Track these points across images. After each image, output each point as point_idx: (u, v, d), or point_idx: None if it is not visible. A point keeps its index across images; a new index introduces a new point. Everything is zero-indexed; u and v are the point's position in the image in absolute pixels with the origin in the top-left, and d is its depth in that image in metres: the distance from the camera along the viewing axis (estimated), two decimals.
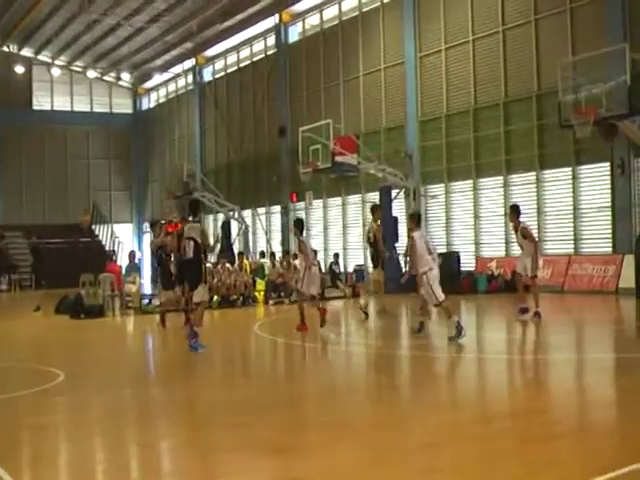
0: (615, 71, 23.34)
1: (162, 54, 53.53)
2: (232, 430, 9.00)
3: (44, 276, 44.05)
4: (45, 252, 46.88)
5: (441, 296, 16.22)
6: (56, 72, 56.76)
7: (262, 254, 36.71)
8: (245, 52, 48.44)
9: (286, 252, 33.48)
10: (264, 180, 44.17)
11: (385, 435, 8.65)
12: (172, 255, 20.31)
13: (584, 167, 28.58)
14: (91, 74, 57.25)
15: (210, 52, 51.51)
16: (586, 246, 28.77)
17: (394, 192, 33.15)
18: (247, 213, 44.77)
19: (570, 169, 28.86)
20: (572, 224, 28.99)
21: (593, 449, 7.63)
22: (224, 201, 41.67)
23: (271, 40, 45.32)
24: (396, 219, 32.72)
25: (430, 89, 34.53)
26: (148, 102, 62.32)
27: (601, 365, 13.16)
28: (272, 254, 34.14)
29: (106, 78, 59.98)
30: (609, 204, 27.54)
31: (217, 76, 51.90)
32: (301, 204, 41.27)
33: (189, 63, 53.77)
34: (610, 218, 27.57)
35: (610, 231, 27.66)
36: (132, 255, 31.30)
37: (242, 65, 48.79)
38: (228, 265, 29.04)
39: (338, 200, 40.09)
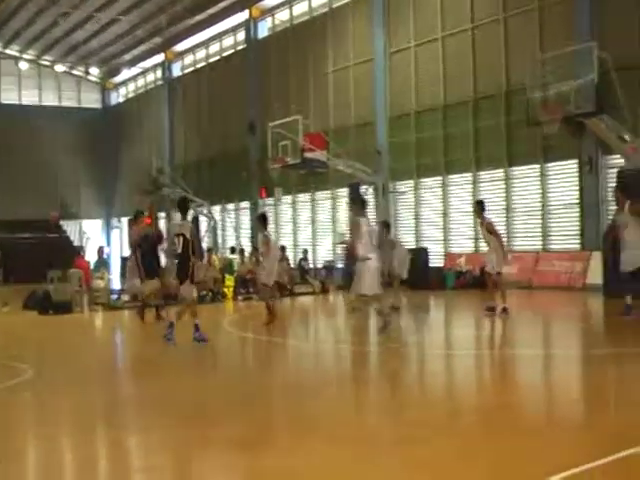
0: (583, 69, 23.41)
1: (131, 49, 53.27)
2: (201, 426, 8.89)
3: (12, 272, 43.58)
4: (13, 247, 46.34)
5: (368, 286, 16.18)
6: (24, 66, 56.34)
7: (232, 250, 36.60)
8: (215, 47, 48.25)
9: (255, 248, 33.27)
10: (233, 176, 43.95)
11: (360, 430, 8.60)
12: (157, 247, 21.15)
13: (552, 164, 28.67)
14: (59, 68, 56.91)
15: (179, 47, 51.28)
16: (554, 243, 28.88)
17: (363, 188, 33.15)
18: (216, 209, 44.57)
19: (538, 166, 28.94)
20: (540, 221, 29.08)
21: (559, 444, 7.62)
22: (193, 197, 41.46)
23: (241, 35, 45.16)
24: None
25: (399, 86, 34.51)
26: (117, 97, 61.98)
27: (567, 361, 13.18)
28: (241, 250, 34.03)
29: (75, 72, 59.57)
30: (577, 201, 27.65)
31: (186, 71, 51.68)
32: (270, 200, 41.18)
33: (158, 58, 53.49)
34: (578, 215, 27.69)
35: (578, 228, 27.77)
36: (101, 251, 31.15)
37: (211, 60, 48.60)
38: (198, 261, 28.89)
39: (307, 196, 40.07)
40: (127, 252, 45.97)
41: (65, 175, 58.00)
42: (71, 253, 37.47)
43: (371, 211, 33.03)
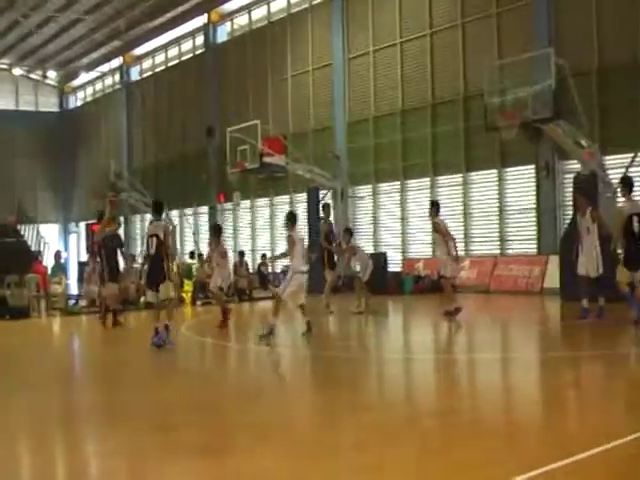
0: (540, 75, 23.45)
1: (89, 52, 52.81)
2: (159, 432, 8.76)
3: None
4: None
5: (285, 294, 16.45)
6: None
7: (191, 255, 36.35)
8: (173, 51, 47.90)
9: (205, 257, 33.23)
10: (192, 180, 43.67)
11: (314, 434, 8.56)
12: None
13: (510, 169, 28.74)
14: (17, 72, 56.29)
15: (138, 51, 50.93)
16: (512, 247, 28.96)
17: (322, 193, 33.07)
18: (174, 213, 44.28)
19: (496, 171, 29.00)
20: (498, 225, 29.13)
21: (518, 447, 7.62)
22: (151, 201, 41.09)
23: (200, 39, 44.89)
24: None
25: (358, 91, 34.47)
26: (75, 101, 61.43)
27: (524, 364, 13.17)
28: (200, 255, 33.79)
29: (32, 76, 58.92)
30: (534, 206, 27.75)
31: (145, 75, 51.32)
32: (229, 204, 41.02)
33: (116, 62, 53.09)
34: (535, 219, 27.80)
35: (535, 232, 27.87)
36: (58, 255, 30.79)
37: (170, 64, 48.26)
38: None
39: (266, 201, 39.90)
40: (84, 257, 45.66)
41: (22, 179, 57.33)
42: (28, 258, 36.99)
43: (330, 216, 33.04)
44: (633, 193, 17.62)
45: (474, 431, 8.33)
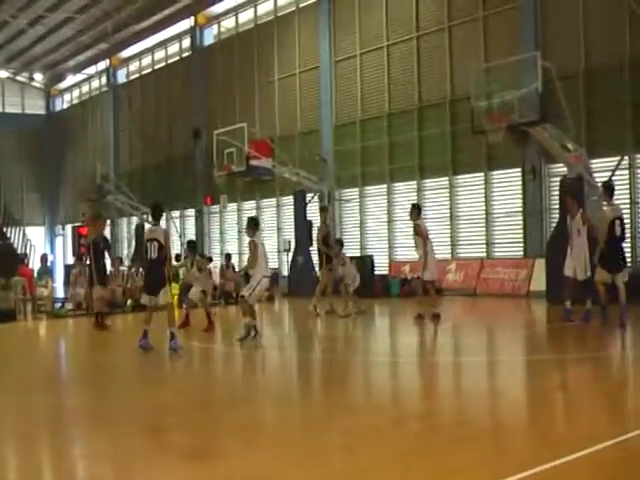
0: (527, 78, 23.47)
1: (76, 55, 52.62)
2: (147, 435, 8.75)
3: None
4: None
5: (252, 298, 16.53)
6: None
7: (177, 258, 36.21)
8: (160, 54, 47.75)
9: (201, 255, 33.11)
10: (178, 183, 43.64)
11: (299, 437, 8.55)
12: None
13: (496, 172, 28.77)
14: (3, 74, 56.03)
15: (125, 53, 50.78)
16: (498, 250, 28.97)
17: (308, 196, 33.06)
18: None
19: (482, 174, 29.02)
20: (484, 228, 29.15)
21: (504, 450, 7.62)
22: (138, 204, 41.06)
23: (186, 42, 44.78)
24: (310, 223, 32.66)
25: (345, 94, 34.45)
26: (61, 103, 61.21)
27: (511, 367, 13.17)
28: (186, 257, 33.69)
29: (18, 78, 58.65)
30: (520, 209, 27.78)
31: (131, 78, 51.15)
32: (216, 207, 40.97)
33: (103, 64, 52.93)
34: (521, 223, 27.82)
35: (522, 235, 27.89)
36: (44, 258, 30.65)
37: (157, 67, 48.12)
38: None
39: (253, 204, 39.84)
40: (71, 260, 45.51)
41: (8, 181, 57.02)
42: (14, 261, 36.83)
43: (317, 219, 33.05)
44: (615, 197, 17.83)
45: (462, 434, 8.31)
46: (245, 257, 36.40)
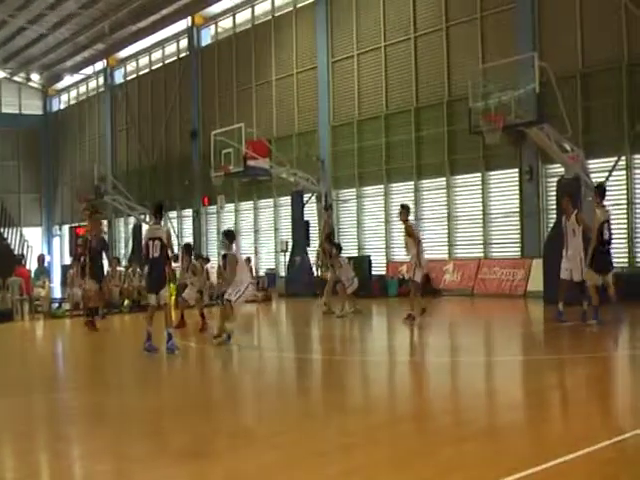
0: (524, 79, 23.49)
1: (73, 55, 52.52)
2: (146, 435, 8.78)
3: None
4: None
5: (239, 302, 16.82)
6: None
7: (175, 258, 36.22)
8: (157, 54, 47.75)
9: (198, 256, 33.14)
10: (176, 183, 43.65)
11: (297, 438, 8.51)
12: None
13: (494, 173, 28.79)
14: (0, 74, 56.08)
15: (122, 54, 50.70)
16: (495, 250, 29.00)
17: (306, 197, 33.09)
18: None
19: (480, 175, 29.05)
20: (482, 229, 29.17)
21: (500, 450, 7.63)
22: (135, 204, 41.08)
23: (183, 43, 44.74)
24: (308, 223, 32.70)
25: (342, 94, 34.46)
26: (58, 103, 61.15)
27: (509, 367, 13.18)
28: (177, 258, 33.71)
29: (15, 78, 58.55)
30: (518, 209, 27.81)
31: (129, 78, 51.08)
32: (213, 208, 40.97)
33: (100, 64, 52.85)
34: (519, 223, 27.84)
35: (519, 236, 27.91)
36: (41, 259, 30.64)
37: (154, 67, 48.08)
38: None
39: (250, 204, 39.87)
40: (68, 260, 45.48)
41: (5, 182, 56.96)
42: (12, 261, 36.82)
43: (314, 219, 33.08)
44: (605, 200, 17.98)
45: (458, 434, 8.35)
46: (243, 257, 36.45)
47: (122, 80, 51.68)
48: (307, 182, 32.80)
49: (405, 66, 31.58)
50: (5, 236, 52.66)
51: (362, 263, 29.43)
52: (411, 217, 29.17)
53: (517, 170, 27.58)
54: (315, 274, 30.31)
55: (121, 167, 50.48)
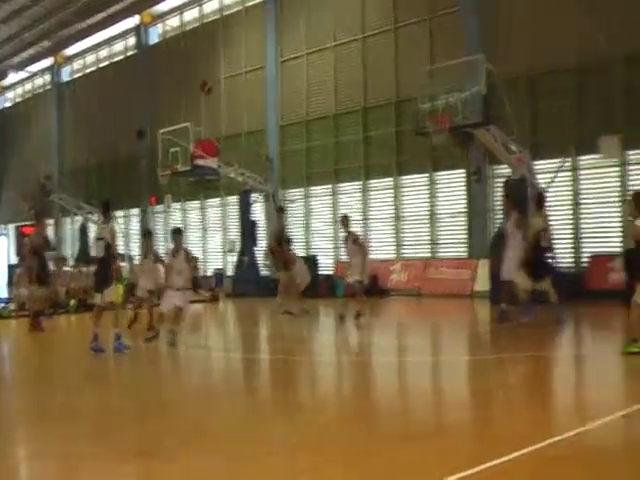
0: (471, 81, 23.65)
1: (19, 52, 51.96)
2: (91, 437, 8.61)
3: None
4: None
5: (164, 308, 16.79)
6: None
7: (122, 257, 35.99)
8: (105, 52, 47.36)
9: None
10: (123, 182, 43.28)
11: (247, 438, 8.43)
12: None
13: (441, 173, 28.96)
14: None
15: (69, 51, 50.22)
16: (443, 250, 29.16)
17: (254, 196, 33.04)
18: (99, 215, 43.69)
19: (427, 175, 29.19)
20: (429, 229, 29.34)
21: (446, 449, 7.65)
22: (82, 203, 40.70)
23: (131, 40, 44.42)
24: (254, 223, 32.66)
25: (291, 94, 34.40)
26: (4, 101, 60.33)
27: (454, 367, 13.24)
28: (130, 257, 33.48)
29: None
30: (465, 210, 27.99)
31: (76, 76, 50.62)
32: (160, 207, 40.74)
33: (47, 62, 52.35)
34: (466, 223, 28.03)
35: (466, 236, 28.10)
36: None
37: (102, 65, 47.66)
38: (84, 268, 28.32)
39: (198, 204, 39.72)
40: (14, 260, 44.97)
41: None
42: None
43: (262, 219, 33.05)
44: (545, 207, 18.38)
45: (406, 433, 8.36)
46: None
47: (69, 78, 51.14)
48: (255, 182, 32.74)
49: (354, 66, 31.59)
50: None
51: (309, 263, 29.42)
52: (359, 217, 29.59)
53: (464, 171, 27.76)
54: (265, 274, 30.29)
55: (68, 165, 49.89)
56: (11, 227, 54.94)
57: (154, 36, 43.08)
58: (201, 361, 15.38)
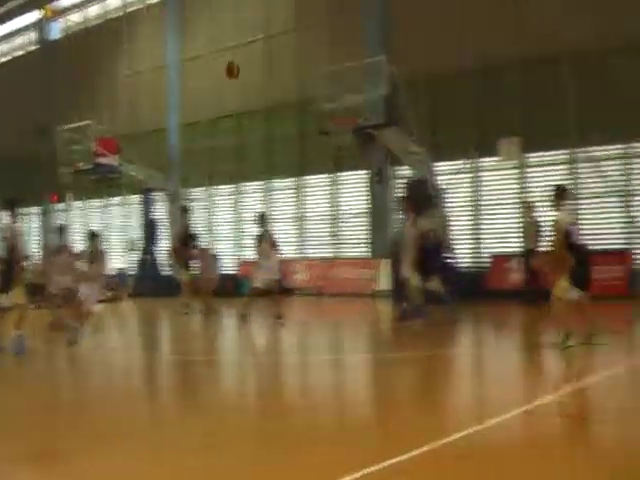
0: (373, 82, 23.69)
1: None
2: None
3: None
4: None
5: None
6: None
7: (25, 257, 35.23)
8: (5, 47, 46.39)
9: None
10: (24, 180, 42.39)
11: (152, 439, 8.40)
12: None
13: (344, 174, 29.01)
14: None
15: None
16: (345, 250, 29.25)
17: (156, 195, 32.73)
18: (1, 214, 42.71)
19: (330, 175, 29.24)
20: (331, 229, 29.39)
21: (350, 447, 7.63)
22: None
23: (33, 36, 43.54)
24: (156, 222, 32.36)
25: (194, 93, 34.02)
26: None
27: (355, 365, 13.29)
28: (28, 256, 32.85)
29: None
30: (367, 210, 28.12)
31: None
32: (61, 205, 40.08)
33: None
34: (368, 223, 28.15)
35: (368, 236, 28.22)
36: None
37: (2, 60, 46.57)
38: None
39: (99, 202, 39.14)
40: None
41: None
42: None
43: (164, 218, 32.75)
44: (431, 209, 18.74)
45: (309, 432, 8.33)
46: None
47: None
48: (157, 180, 32.42)
49: (257, 66, 31.32)
50: None
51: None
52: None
53: (366, 171, 27.86)
54: (168, 274, 29.98)
55: None
56: None
57: (56, 31, 42.29)
58: (102, 361, 15.12)
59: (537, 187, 23.28)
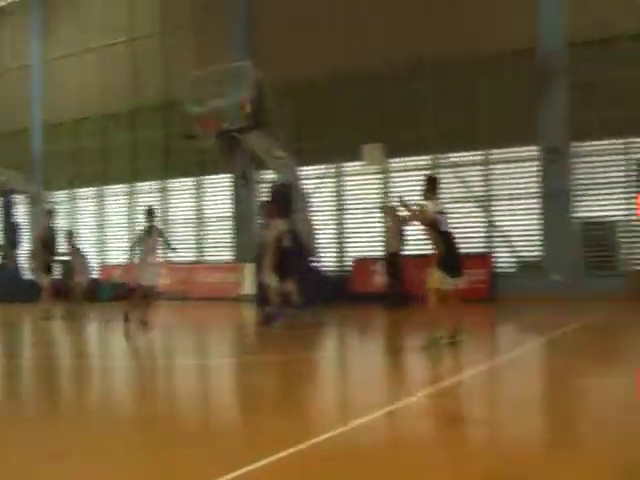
0: (238, 86, 23.66)
1: None
2: None
3: None
4: None
5: None
6: None
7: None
8: None
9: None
10: None
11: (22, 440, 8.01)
12: None
13: (208, 177, 28.89)
14: None
15: None
16: (209, 254, 29.08)
17: (16, 197, 31.90)
18: None
19: (195, 179, 29.07)
20: (196, 232, 29.21)
21: (217, 451, 7.49)
22: None
23: None
24: (15, 225, 31.53)
25: (58, 93, 33.25)
26: None
27: (220, 369, 13.12)
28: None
29: None
30: (231, 213, 28.03)
31: None
32: None
33: None
34: (232, 227, 28.06)
35: (232, 240, 28.14)
36: None
37: None
38: None
39: None
40: None
41: None
42: None
43: (25, 221, 31.93)
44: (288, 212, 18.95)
45: (173, 437, 8.16)
46: None
47: None
48: (18, 182, 31.61)
49: (122, 68, 30.88)
50: None
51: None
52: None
53: (231, 175, 27.79)
54: (29, 278, 29.23)
55: None
56: None
57: None
58: None
59: (400, 192, 23.59)
